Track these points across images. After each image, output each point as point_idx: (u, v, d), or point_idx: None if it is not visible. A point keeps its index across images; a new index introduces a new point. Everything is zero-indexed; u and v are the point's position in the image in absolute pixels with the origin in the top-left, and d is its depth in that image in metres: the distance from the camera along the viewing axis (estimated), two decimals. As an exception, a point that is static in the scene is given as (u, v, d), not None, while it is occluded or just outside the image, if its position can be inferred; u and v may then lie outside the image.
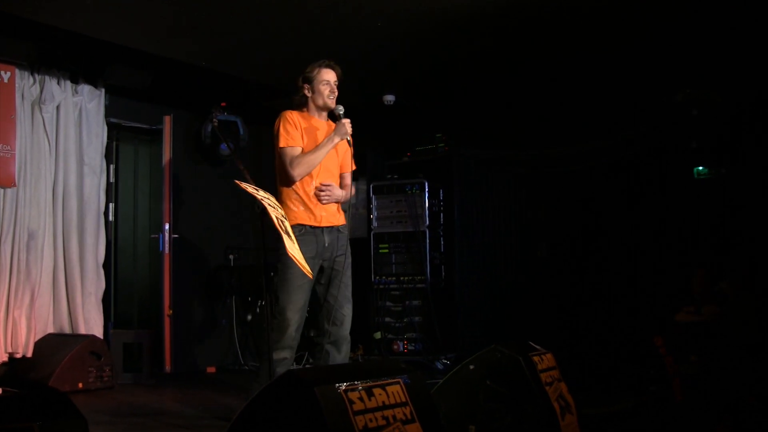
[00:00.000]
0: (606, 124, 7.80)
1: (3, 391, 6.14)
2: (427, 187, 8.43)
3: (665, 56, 7.10)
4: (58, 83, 7.46)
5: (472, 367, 3.98)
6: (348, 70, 7.49)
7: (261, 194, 4.22)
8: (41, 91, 7.35)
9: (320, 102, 5.16)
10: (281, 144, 5.05)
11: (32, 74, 7.31)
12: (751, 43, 6.71)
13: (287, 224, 4.31)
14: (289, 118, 5.10)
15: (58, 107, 7.47)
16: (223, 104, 8.51)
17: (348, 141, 5.12)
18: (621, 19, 6.34)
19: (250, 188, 4.24)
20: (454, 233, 8.53)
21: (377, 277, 8.53)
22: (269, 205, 4.17)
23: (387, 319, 8.42)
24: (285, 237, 4.17)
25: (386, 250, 8.55)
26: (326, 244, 5.06)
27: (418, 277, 8.37)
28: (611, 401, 5.22)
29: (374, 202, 8.66)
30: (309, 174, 5.05)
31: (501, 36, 6.81)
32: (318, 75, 5.16)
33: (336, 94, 5.20)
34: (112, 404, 6.23)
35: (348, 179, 5.41)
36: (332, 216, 5.13)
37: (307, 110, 5.24)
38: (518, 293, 8.24)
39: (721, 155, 7.26)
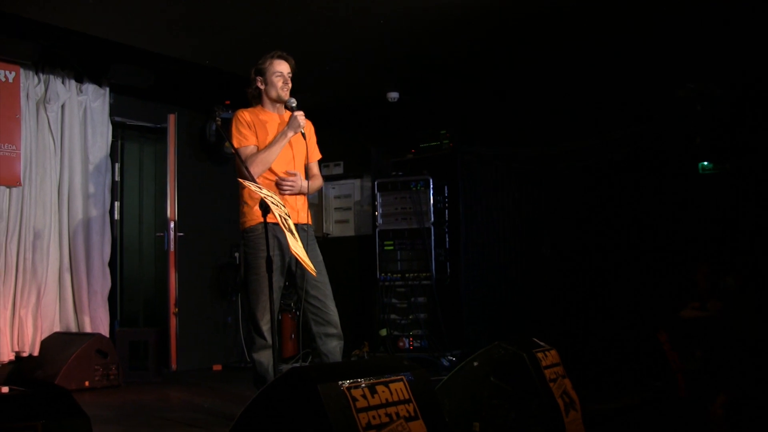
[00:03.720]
0: (610, 120, 7.79)
1: (9, 389, 6.19)
2: (431, 183, 8.42)
3: (668, 51, 7.10)
4: (62, 83, 7.49)
5: (476, 363, 3.99)
6: (352, 67, 7.52)
7: (264, 192, 4.23)
8: (46, 91, 7.37)
9: (273, 94, 5.12)
10: (235, 145, 5.02)
11: (36, 74, 7.33)
12: (754, 36, 6.70)
13: (290, 222, 4.31)
14: (240, 118, 5.07)
15: (62, 106, 7.50)
16: (227, 102, 8.52)
17: (302, 134, 5.05)
18: (623, 14, 6.33)
19: (253, 186, 4.26)
20: (459, 230, 8.54)
21: (382, 274, 8.52)
22: (272, 203, 4.18)
23: (392, 316, 8.42)
24: (288, 235, 4.17)
25: (391, 247, 8.54)
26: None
27: (423, 274, 8.37)
28: (615, 397, 5.23)
29: (379, 199, 8.66)
30: (270, 170, 5.00)
31: (504, 33, 6.81)
32: (270, 66, 5.12)
33: (290, 85, 5.16)
34: (119, 402, 6.25)
35: (315, 169, 5.35)
36: (296, 213, 5.01)
37: (261, 104, 5.21)
38: (523, 289, 8.23)
39: (725, 150, 7.25)
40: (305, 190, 5.15)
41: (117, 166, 8.33)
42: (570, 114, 8.03)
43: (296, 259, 4.69)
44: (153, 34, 6.76)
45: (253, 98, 5.25)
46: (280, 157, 5.03)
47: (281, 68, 5.13)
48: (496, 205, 8.48)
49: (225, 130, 5.23)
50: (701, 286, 6.45)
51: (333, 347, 5.02)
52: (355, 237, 9.57)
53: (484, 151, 8.50)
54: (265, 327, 4.93)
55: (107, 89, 7.90)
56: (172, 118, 8.22)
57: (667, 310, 6.78)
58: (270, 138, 5.05)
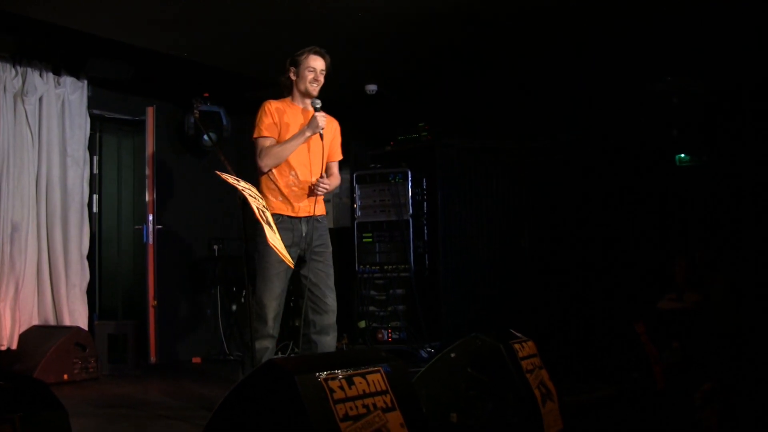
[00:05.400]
0: (588, 113, 7.84)
1: (-13, 383, 6.16)
2: (410, 176, 8.44)
3: (645, 46, 7.13)
4: (40, 75, 7.43)
5: (453, 355, 4.01)
6: (330, 60, 7.51)
7: (242, 185, 4.23)
8: (23, 83, 7.31)
9: (302, 87, 5.14)
10: (254, 135, 5.09)
11: (14, 66, 7.27)
12: (730, 30, 6.75)
13: (268, 214, 4.32)
14: (267, 109, 5.10)
15: (40, 99, 7.44)
16: (205, 95, 8.50)
17: (320, 135, 5.06)
18: (601, 10, 6.36)
19: (231, 179, 4.26)
20: (438, 222, 8.56)
21: (361, 266, 8.55)
22: (250, 195, 4.18)
23: (371, 308, 8.44)
24: (266, 227, 4.18)
25: (370, 239, 8.56)
26: (303, 234, 5.04)
27: (402, 266, 8.39)
28: (592, 388, 5.25)
29: (357, 192, 8.67)
30: (287, 165, 5.04)
31: (483, 27, 6.83)
32: (305, 60, 5.13)
33: (320, 83, 5.17)
34: (97, 395, 6.24)
35: (334, 168, 5.42)
36: (311, 206, 5.09)
37: (291, 96, 5.23)
38: (501, 281, 8.27)
39: (702, 143, 7.30)
40: (330, 190, 5.29)
41: (95, 158, 8.30)
42: (549, 107, 8.07)
43: (309, 250, 4.98)
44: (132, 27, 6.73)
45: (285, 87, 5.27)
46: (297, 155, 5.07)
47: (315, 64, 5.14)
48: (475, 197, 8.51)
49: (204, 122, 5.25)
50: (679, 278, 6.51)
51: (329, 340, 5.09)
52: (333, 229, 9.53)
53: (463, 144, 8.53)
54: (271, 315, 5.00)
55: (85, 82, 7.85)
56: (150, 111, 8.21)
57: (644, 301, 6.83)
58: (292, 131, 5.09)
